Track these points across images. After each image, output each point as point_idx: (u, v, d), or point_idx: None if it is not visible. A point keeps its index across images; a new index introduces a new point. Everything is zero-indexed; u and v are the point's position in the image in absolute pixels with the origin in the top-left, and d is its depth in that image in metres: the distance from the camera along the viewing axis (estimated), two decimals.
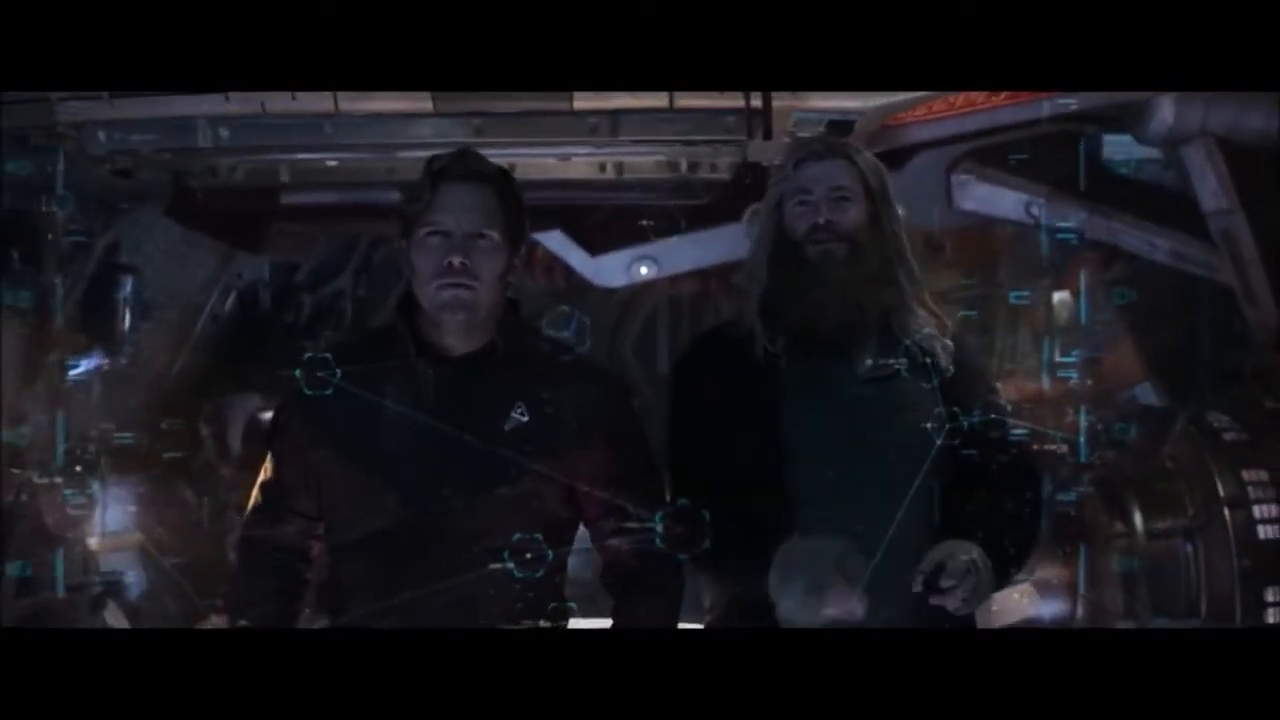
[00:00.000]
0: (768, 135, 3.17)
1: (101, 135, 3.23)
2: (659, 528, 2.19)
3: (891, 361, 2.20)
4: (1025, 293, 3.95)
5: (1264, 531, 3.21)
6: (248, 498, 2.37)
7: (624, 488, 2.19)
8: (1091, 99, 3.35)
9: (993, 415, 2.24)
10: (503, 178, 2.19)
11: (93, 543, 3.78)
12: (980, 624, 2.33)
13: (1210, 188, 3.53)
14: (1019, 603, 3.59)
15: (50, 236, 3.67)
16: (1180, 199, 3.67)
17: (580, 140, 3.25)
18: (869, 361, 2.20)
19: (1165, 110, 3.43)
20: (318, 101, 3.11)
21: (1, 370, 3.52)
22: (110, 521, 3.80)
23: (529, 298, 2.70)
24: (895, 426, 2.17)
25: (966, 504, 2.17)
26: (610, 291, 4.25)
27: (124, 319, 3.93)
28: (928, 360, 2.21)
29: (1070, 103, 3.35)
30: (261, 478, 2.30)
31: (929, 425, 2.17)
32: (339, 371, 2.10)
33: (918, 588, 2.02)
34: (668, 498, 2.27)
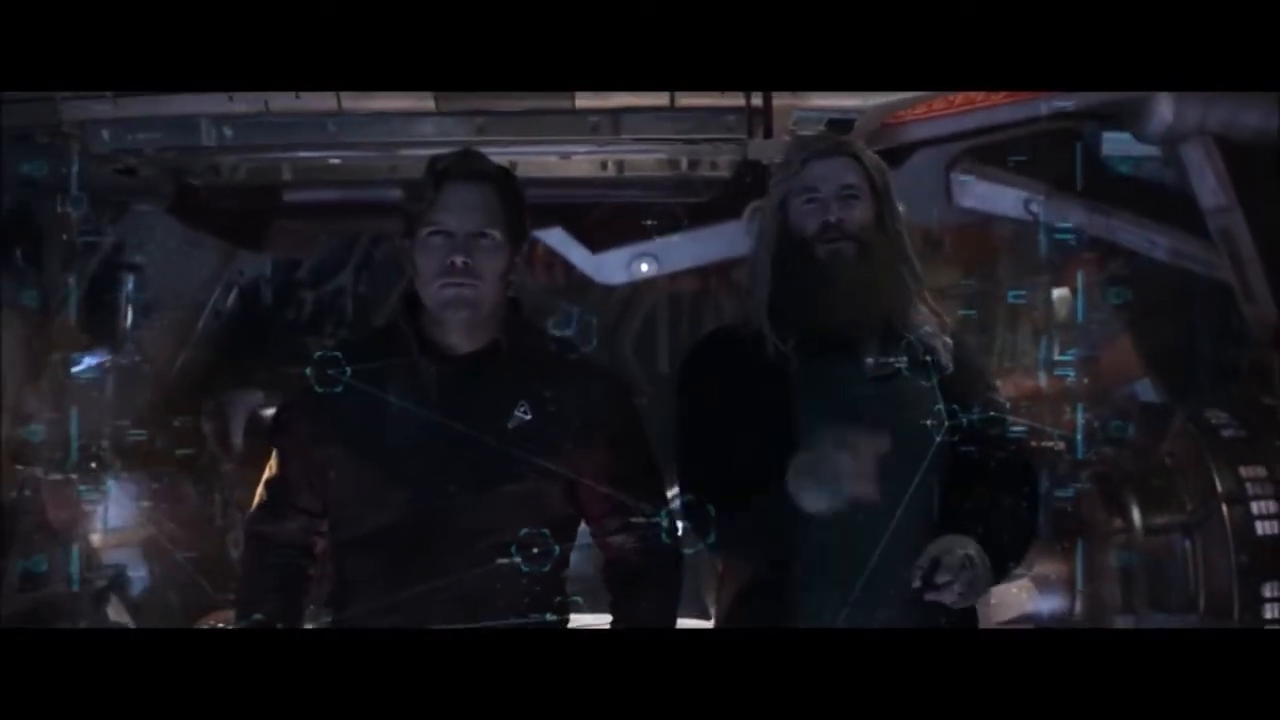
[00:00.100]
0: (768, 134, 3.18)
1: (105, 134, 3.23)
2: (665, 522, 2.22)
3: (893, 360, 2.20)
4: (1023, 292, 3.95)
5: (1262, 527, 3.21)
6: (251, 494, 2.38)
7: (625, 485, 2.21)
8: (1090, 97, 3.36)
9: (991, 412, 2.25)
10: (504, 177, 2.21)
11: (95, 538, 3.79)
12: (980, 619, 2.34)
13: (1209, 185, 3.54)
14: (1018, 598, 3.60)
15: (64, 236, 3.68)
16: (1179, 196, 3.67)
17: (582, 139, 3.25)
18: (872, 360, 2.21)
19: (1164, 108, 3.43)
20: (321, 100, 3.11)
21: (9, 368, 3.53)
22: (113, 517, 3.82)
23: (530, 296, 2.72)
24: (897, 424, 2.17)
25: (966, 500, 2.18)
26: (610, 289, 4.26)
27: (126, 316, 3.94)
28: (928, 358, 2.21)
29: (1068, 103, 3.36)
30: (266, 474, 2.32)
31: (929, 422, 2.18)
32: (349, 369, 2.11)
33: (916, 583, 2.02)
34: (669, 494, 2.29)
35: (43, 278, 3.73)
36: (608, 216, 3.82)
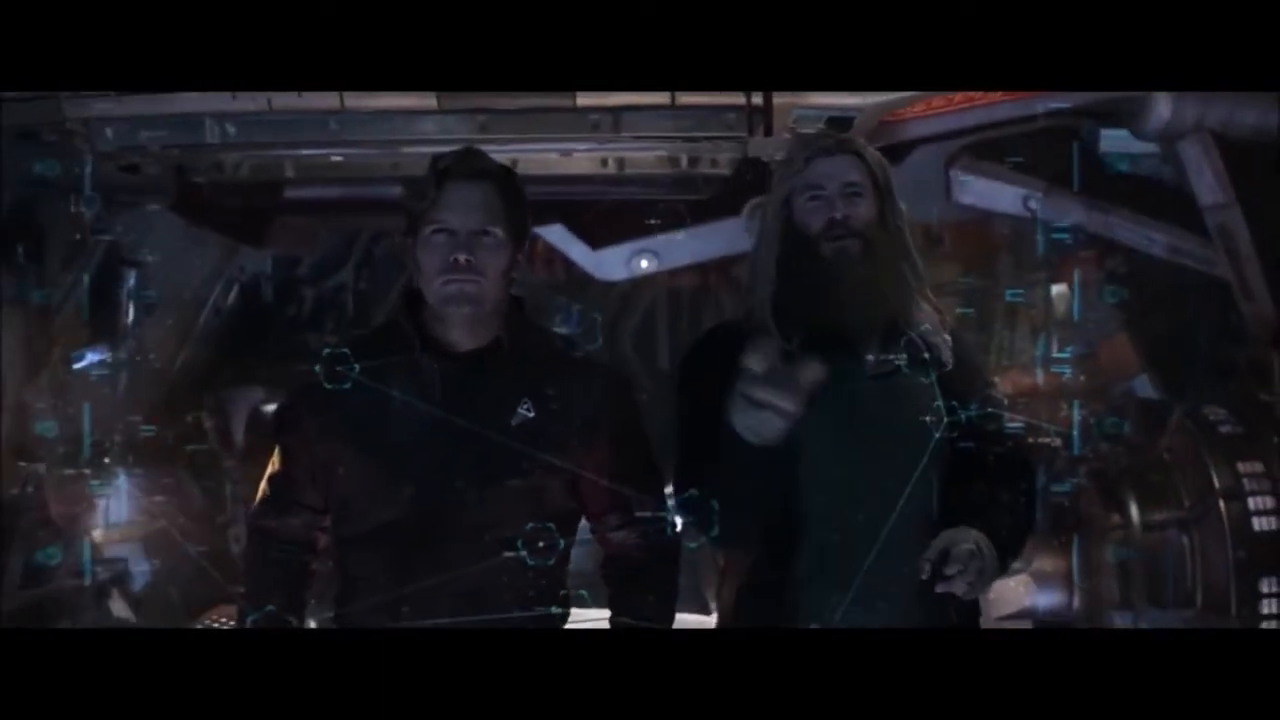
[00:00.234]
0: (768, 132, 3.19)
1: (109, 132, 3.25)
2: (668, 518, 2.23)
3: (893, 357, 2.21)
4: (1020, 291, 3.96)
5: (1259, 523, 3.22)
6: (253, 490, 2.39)
7: (627, 482, 2.22)
8: (1089, 95, 3.37)
9: (990, 409, 2.26)
10: (506, 175, 2.21)
11: (98, 534, 3.81)
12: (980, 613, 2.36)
13: (1207, 182, 3.54)
14: (1017, 593, 3.61)
15: (68, 234, 3.69)
16: (1177, 193, 3.68)
17: (583, 136, 3.26)
18: (873, 357, 2.21)
19: (1162, 106, 3.44)
20: (323, 98, 3.12)
21: (9, 365, 3.54)
22: (115, 512, 3.83)
23: (531, 293, 2.73)
24: (897, 420, 2.18)
25: (964, 495, 2.19)
26: (610, 285, 4.28)
27: (128, 313, 3.95)
28: (928, 355, 2.22)
29: (1066, 100, 3.37)
30: (269, 470, 2.32)
31: (928, 419, 2.19)
32: (357, 366, 2.13)
33: (924, 575, 2.02)
34: (668, 491, 2.30)
35: (44, 275, 3.74)
36: (608, 213, 3.83)
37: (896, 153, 3.53)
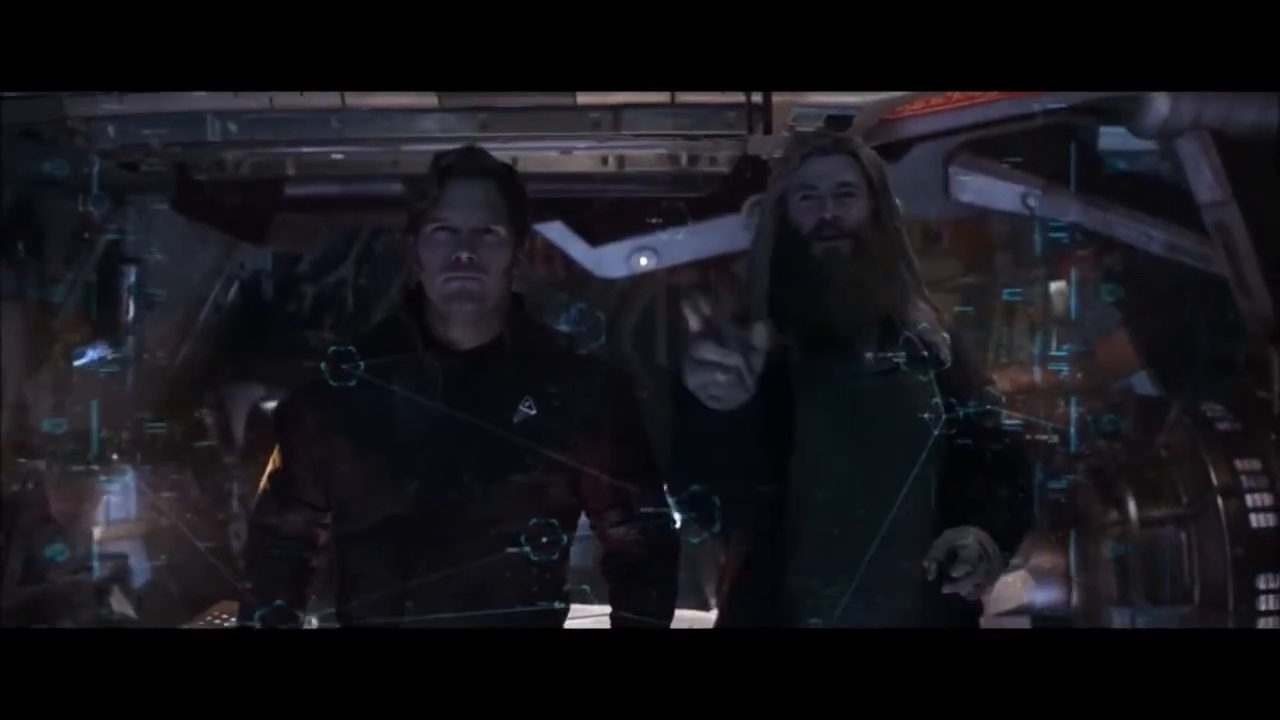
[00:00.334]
0: (768, 130, 3.19)
1: (111, 129, 3.25)
2: (670, 514, 2.24)
3: (892, 355, 2.22)
4: (1018, 290, 3.97)
5: (1256, 520, 3.23)
6: (252, 486, 2.40)
7: (627, 479, 2.23)
8: (1087, 93, 3.38)
9: (987, 406, 2.27)
10: (507, 173, 2.22)
11: (98, 530, 3.82)
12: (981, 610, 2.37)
13: (1205, 179, 3.55)
14: (1015, 589, 3.62)
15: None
16: (1175, 190, 3.69)
17: (583, 134, 3.26)
18: (871, 355, 2.22)
19: (1160, 104, 3.45)
20: (325, 97, 3.12)
21: (9, 362, 3.55)
22: (116, 509, 3.84)
23: (531, 291, 2.73)
24: (895, 418, 2.19)
25: (963, 491, 2.20)
26: (610, 282, 4.28)
27: (129, 310, 3.96)
28: (926, 353, 2.23)
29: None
30: (270, 467, 2.33)
31: (927, 416, 2.20)
32: (362, 364, 2.13)
33: (931, 577, 2.03)
34: (667, 488, 2.31)
35: (45, 271, 3.75)
36: (607, 210, 3.84)
37: (895, 150, 3.54)
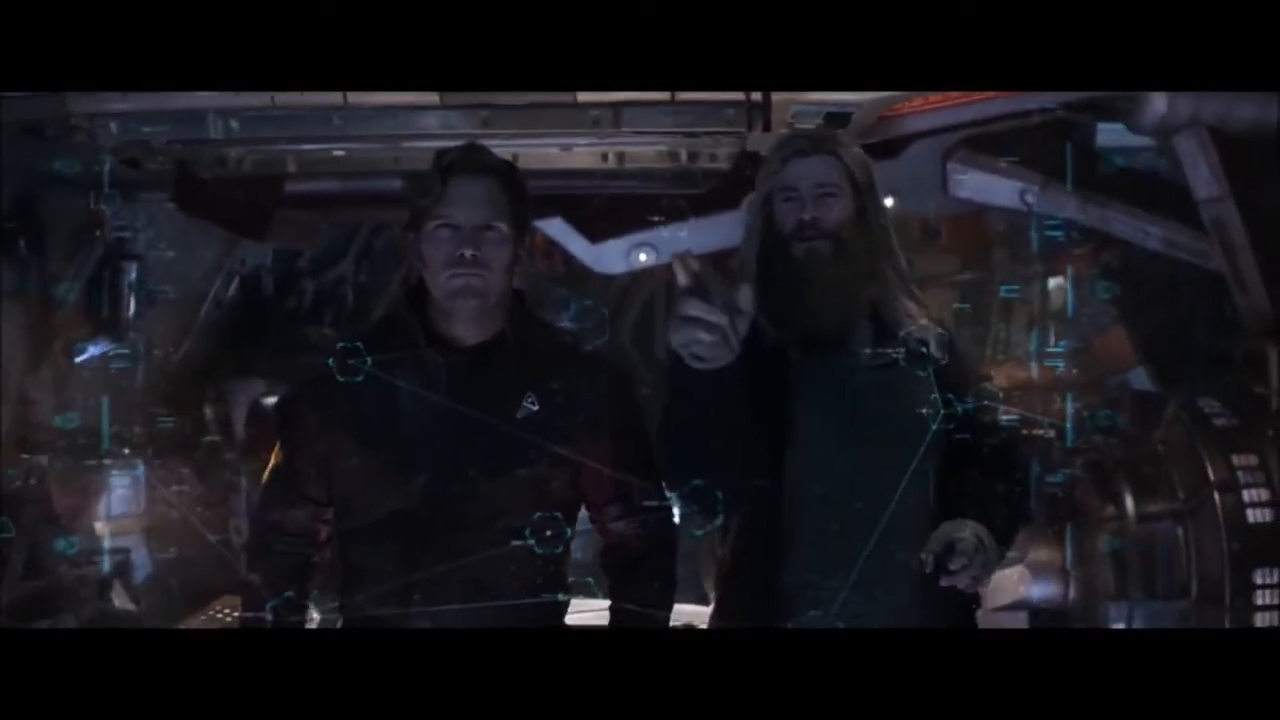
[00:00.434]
0: (767, 127, 3.19)
1: (113, 127, 3.25)
2: (671, 508, 2.26)
3: (888, 351, 2.23)
4: (1015, 287, 3.98)
5: (1253, 515, 3.23)
6: (254, 482, 2.41)
7: (627, 474, 2.25)
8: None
9: (985, 401, 2.28)
10: (509, 170, 2.23)
11: (99, 525, 3.83)
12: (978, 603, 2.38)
13: (1202, 176, 3.54)
14: (1012, 583, 3.63)
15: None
16: (1172, 187, 3.70)
17: (583, 131, 3.27)
18: (866, 351, 2.23)
19: (1158, 100, 3.44)
20: (326, 94, 3.12)
21: (9, 359, 3.55)
22: (118, 504, 3.85)
23: (531, 286, 2.74)
24: (893, 413, 2.21)
25: (960, 485, 2.21)
26: (609, 278, 4.29)
27: (130, 306, 3.96)
28: (922, 349, 2.24)
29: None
30: (272, 463, 2.34)
31: (924, 411, 2.21)
32: (369, 360, 2.14)
33: (929, 569, 2.04)
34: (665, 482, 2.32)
35: (46, 268, 3.75)
36: (607, 207, 3.85)
37: (894, 147, 3.55)
